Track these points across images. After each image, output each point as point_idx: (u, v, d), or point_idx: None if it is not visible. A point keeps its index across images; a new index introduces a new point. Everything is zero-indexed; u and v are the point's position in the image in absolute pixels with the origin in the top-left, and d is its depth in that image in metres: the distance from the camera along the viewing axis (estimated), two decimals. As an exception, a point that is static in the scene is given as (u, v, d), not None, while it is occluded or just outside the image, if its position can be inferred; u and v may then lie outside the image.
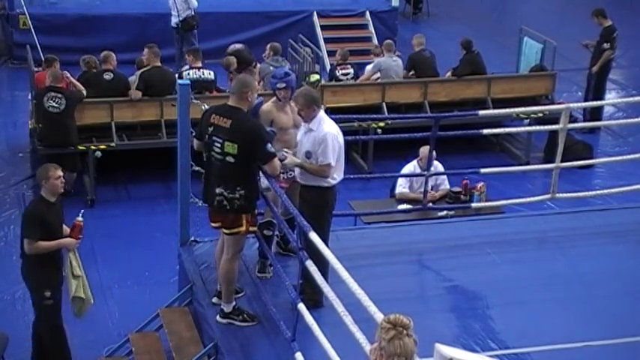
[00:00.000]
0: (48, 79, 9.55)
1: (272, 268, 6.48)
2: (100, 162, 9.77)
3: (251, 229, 5.96)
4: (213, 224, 6.04)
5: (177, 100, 6.77)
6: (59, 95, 9.36)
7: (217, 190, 5.79)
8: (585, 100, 11.77)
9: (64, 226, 6.56)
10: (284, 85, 6.23)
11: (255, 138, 5.72)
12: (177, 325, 6.55)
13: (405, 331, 3.64)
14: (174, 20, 13.04)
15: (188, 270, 6.81)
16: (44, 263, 6.43)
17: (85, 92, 9.63)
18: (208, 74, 10.25)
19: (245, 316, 6.13)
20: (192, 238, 7.04)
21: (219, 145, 5.76)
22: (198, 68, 10.24)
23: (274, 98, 6.35)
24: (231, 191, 5.76)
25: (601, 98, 11.87)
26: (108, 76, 10.07)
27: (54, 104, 9.35)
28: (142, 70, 10.27)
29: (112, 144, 9.83)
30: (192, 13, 13.03)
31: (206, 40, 12.90)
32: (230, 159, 5.73)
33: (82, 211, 6.63)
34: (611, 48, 11.90)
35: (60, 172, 6.40)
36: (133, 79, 10.35)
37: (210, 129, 5.81)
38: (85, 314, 6.76)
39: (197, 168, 6.62)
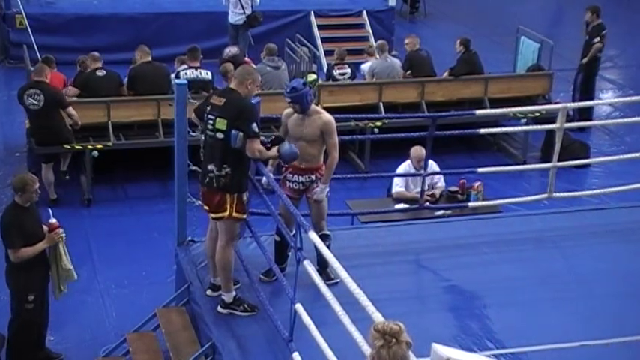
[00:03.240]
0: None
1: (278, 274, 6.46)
2: (96, 162, 9.76)
3: (235, 215, 5.99)
4: (205, 207, 6.16)
5: (174, 100, 6.77)
6: (37, 91, 9.25)
7: (209, 168, 5.97)
8: (573, 100, 11.76)
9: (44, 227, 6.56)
10: (289, 99, 6.27)
11: (242, 111, 5.89)
12: (174, 324, 6.55)
13: (393, 340, 3.65)
14: (237, 17, 13.00)
15: (185, 269, 6.80)
16: (29, 266, 6.43)
17: (79, 122, 9.51)
18: (205, 74, 10.25)
19: (246, 305, 6.16)
20: (190, 238, 7.04)
21: (211, 123, 5.96)
22: (196, 68, 10.24)
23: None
24: (219, 169, 5.91)
25: (590, 97, 11.88)
26: (101, 72, 10.09)
27: (33, 101, 9.27)
28: (131, 66, 10.36)
29: (109, 144, 9.82)
30: (253, 9, 13.07)
31: (203, 39, 12.88)
32: (220, 135, 5.90)
33: (50, 210, 6.68)
34: (601, 42, 11.91)
35: (37, 185, 6.44)
36: (129, 79, 10.42)
37: (208, 108, 6.03)
38: (63, 294, 6.74)
39: (194, 168, 6.64)
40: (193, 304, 6.58)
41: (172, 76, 10.15)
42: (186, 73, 10.06)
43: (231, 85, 6.12)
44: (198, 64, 10.29)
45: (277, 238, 6.47)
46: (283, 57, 11.66)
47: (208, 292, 6.42)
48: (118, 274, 8.38)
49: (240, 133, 5.85)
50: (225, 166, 5.91)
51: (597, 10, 12.08)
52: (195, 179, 6.40)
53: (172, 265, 7.27)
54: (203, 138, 6.12)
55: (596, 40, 11.93)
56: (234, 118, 5.87)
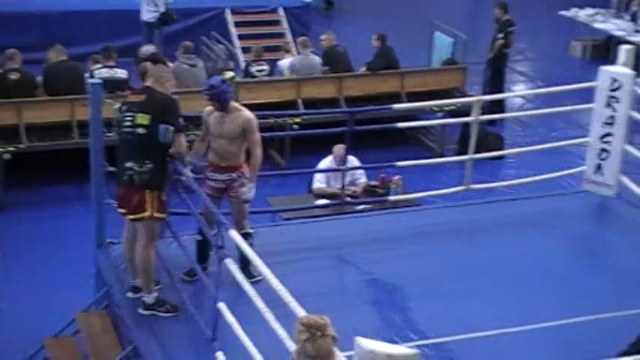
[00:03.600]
0: None
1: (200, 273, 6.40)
2: (9, 165, 9.50)
3: (156, 215, 5.94)
4: (120, 210, 6.09)
5: (89, 100, 6.64)
6: None
7: (127, 165, 5.90)
8: (484, 93, 11.97)
9: None
10: (208, 97, 6.23)
11: (168, 106, 5.93)
12: (94, 328, 6.44)
13: (318, 333, 3.68)
14: (150, 15, 12.75)
15: (105, 272, 6.69)
16: None
17: None
18: (121, 73, 10.10)
19: (168, 306, 6.10)
20: (109, 240, 6.92)
21: (130, 119, 5.91)
22: (111, 67, 10.08)
23: None
24: (140, 165, 5.86)
25: (500, 91, 12.09)
26: (14, 75, 9.82)
27: None
28: (45, 65, 10.14)
29: (21, 145, 9.57)
30: (167, 7, 12.86)
31: (117, 37, 12.69)
32: (141, 130, 5.87)
33: None
34: (504, 39, 12.14)
35: None
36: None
37: (124, 107, 5.99)
38: None
39: (111, 168, 6.54)
40: (114, 307, 6.48)
41: (87, 75, 9.97)
42: (100, 73, 9.89)
43: (148, 84, 6.09)
44: (113, 63, 10.13)
45: (199, 238, 6.41)
46: (200, 55, 11.57)
47: (129, 294, 6.33)
48: (34, 279, 8.18)
49: (171, 128, 5.86)
50: (147, 162, 5.86)
51: (505, 6, 12.37)
52: (112, 180, 6.28)
53: (92, 269, 7.14)
54: (118, 137, 6.05)
55: (500, 35, 12.19)
56: (159, 113, 5.86)
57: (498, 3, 12.46)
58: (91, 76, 9.67)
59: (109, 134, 6.69)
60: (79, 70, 10.17)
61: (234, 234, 5.30)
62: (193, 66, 10.62)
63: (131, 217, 6.02)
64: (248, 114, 6.28)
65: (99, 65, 10.12)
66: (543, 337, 6.04)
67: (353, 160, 8.40)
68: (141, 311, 6.11)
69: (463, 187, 7.91)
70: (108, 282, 6.61)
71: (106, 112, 6.63)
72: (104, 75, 9.76)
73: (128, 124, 5.92)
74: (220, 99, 6.18)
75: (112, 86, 9.51)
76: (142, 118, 5.86)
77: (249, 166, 6.33)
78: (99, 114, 6.58)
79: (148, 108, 5.88)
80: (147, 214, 5.91)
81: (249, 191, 6.29)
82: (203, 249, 6.42)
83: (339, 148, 8.37)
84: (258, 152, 6.27)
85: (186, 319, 5.96)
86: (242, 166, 6.35)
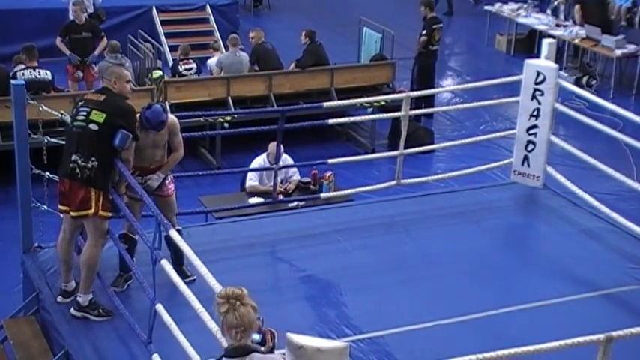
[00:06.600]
0: None
1: (127, 283, 6.32)
2: None
3: (102, 213, 5.87)
4: (61, 207, 5.98)
5: (12, 102, 6.49)
6: None
7: (72, 158, 5.84)
8: (411, 89, 12.05)
9: None
10: (153, 133, 6.16)
11: (127, 113, 5.93)
12: (23, 335, 6.28)
13: (237, 302, 3.68)
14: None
15: (33, 277, 6.54)
16: None
17: None
18: (45, 74, 9.89)
19: (101, 310, 6.02)
20: (37, 244, 6.77)
21: (84, 114, 5.89)
22: (34, 68, 9.85)
23: None
24: (85, 160, 5.81)
25: (429, 87, 12.10)
26: None
27: None
28: None
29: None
30: (96, 7, 12.62)
31: (41, 37, 12.41)
32: (93, 126, 5.84)
33: None
34: (426, 36, 12.21)
35: None
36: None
37: (81, 103, 6.01)
38: None
39: (37, 171, 6.40)
40: (44, 312, 6.34)
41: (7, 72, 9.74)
42: (23, 74, 9.67)
43: (103, 84, 6.13)
44: (35, 64, 9.91)
45: (124, 246, 6.30)
46: (127, 54, 11.40)
47: (59, 298, 6.21)
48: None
49: (131, 136, 5.85)
50: (93, 159, 5.81)
51: (430, 4, 12.44)
52: (38, 183, 6.15)
53: (19, 274, 6.97)
54: (68, 131, 6.02)
55: (422, 32, 12.28)
56: (114, 114, 5.85)
57: (423, 1, 12.54)
58: (14, 78, 9.45)
59: (34, 137, 6.56)
60: (3, 72, 9.91)
61: (174, 234, 5.25)
62: (120, 65, 10.44)
63: (74, 214, 5.90)
64: (173, 119, 6.30)
65: (22, 66, 9.89)
66: (476, 328, 6.12)
67: (287, 159, 8.40)
68: (72, 311, 6.00)
69: (394, 182, 7.98)
70: (36, 287, 6.46)
71: (31, 115, 6.49)
72: (27, 76, 9.54)
73: (81, 118, 5.89)
74: (160, 129, 6.16)
75: (35, 87, 9.32)
76: (97, 116, 5.84)
77: (168, 161, 6.30)
78: (22, 116, 6.43)
79: (105, 107, 5.88)
80: (91, 211, 5.83)
81: (157, 180, 6.23)
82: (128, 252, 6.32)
83: (273, 146, 8.35)
84: (180, 152, 6.32)
85: (119, 322, 5.87)
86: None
